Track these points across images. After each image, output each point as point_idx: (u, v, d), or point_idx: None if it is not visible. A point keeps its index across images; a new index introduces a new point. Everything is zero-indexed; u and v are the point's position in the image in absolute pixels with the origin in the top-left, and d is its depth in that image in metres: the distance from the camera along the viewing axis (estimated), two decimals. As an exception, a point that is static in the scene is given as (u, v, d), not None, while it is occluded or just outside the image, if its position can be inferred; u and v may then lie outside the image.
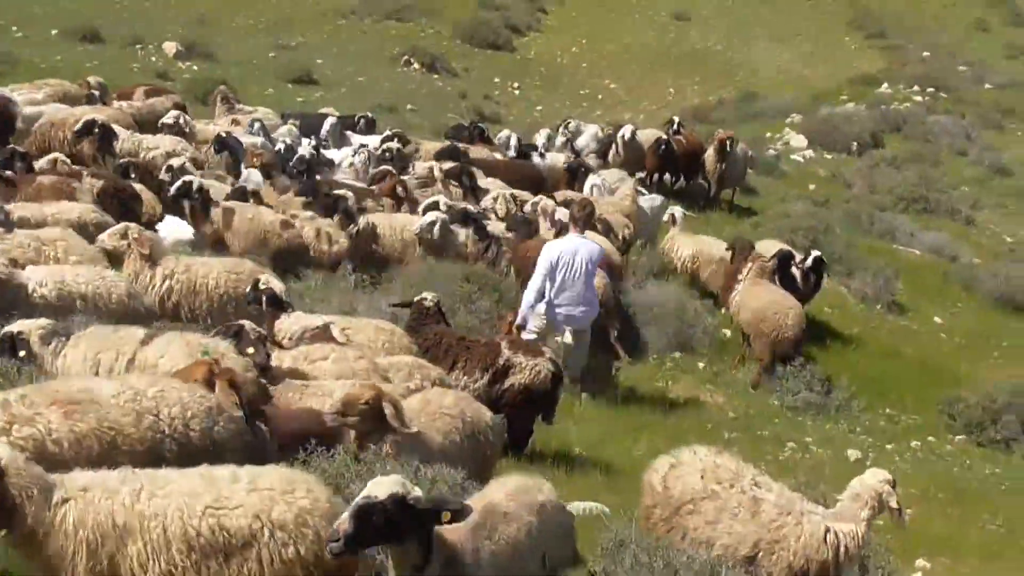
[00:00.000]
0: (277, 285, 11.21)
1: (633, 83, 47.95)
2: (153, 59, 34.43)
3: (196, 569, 5.88)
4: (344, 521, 5.62)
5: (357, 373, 9.25)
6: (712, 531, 7.64)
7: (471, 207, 16.46)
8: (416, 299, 11.67)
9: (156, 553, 5.83)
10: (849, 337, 19.27)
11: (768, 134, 38.18)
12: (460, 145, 21.73)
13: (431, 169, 18.96)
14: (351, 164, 19.83)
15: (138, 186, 15.34)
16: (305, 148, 19.36)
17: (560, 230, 15.89)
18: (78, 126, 16.77)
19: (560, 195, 18.73)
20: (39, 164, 15.22)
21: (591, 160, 23.87)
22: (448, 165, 19.22)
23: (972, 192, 34.72)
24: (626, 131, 24.40)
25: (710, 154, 24.91)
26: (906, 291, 22.34)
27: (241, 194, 15.67)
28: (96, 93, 20.61)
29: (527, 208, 17.45)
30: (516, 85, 44.17)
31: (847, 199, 30.51)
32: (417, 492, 5.81)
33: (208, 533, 5.89)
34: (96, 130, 16.76)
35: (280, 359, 9.43)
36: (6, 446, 5.92)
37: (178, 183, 14.61)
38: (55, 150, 16.35)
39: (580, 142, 24.83)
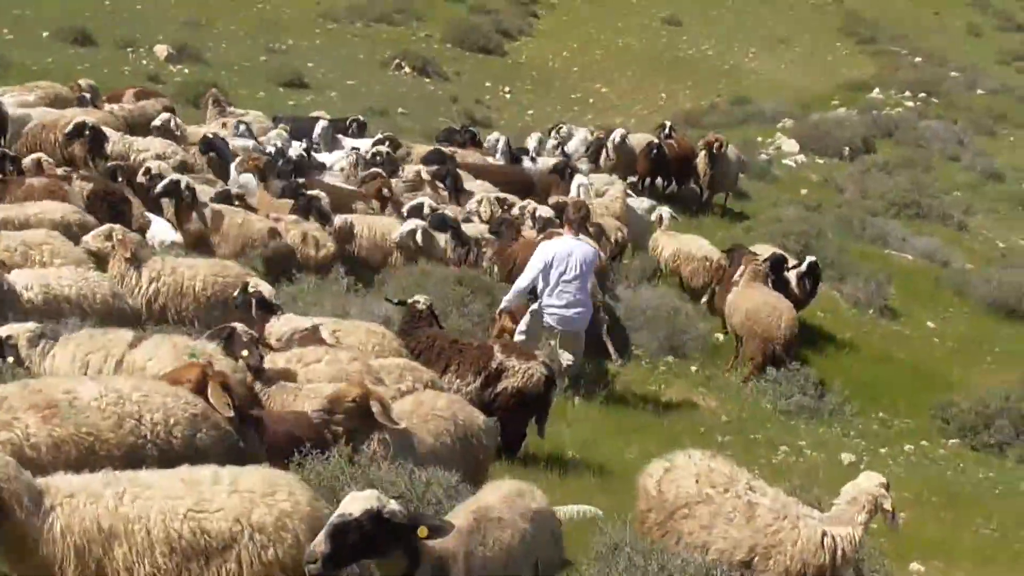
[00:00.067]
0: (266, 288, 11.17)
1: (625, 87, 47.96)
2: (144, 62, 34.33)
3: (178, 571, 5.86)
4: (320, 542, 5.56)
5: (351, 375, 9.21)
6: (707, 536, 7.62)
7: (448, 212, 16.37)
8: (409, 302, 11.62)
9: (141, 556, 5.81)
10: (842, 341, 19.26)
11: (760, 139, 38.14)
12: (448, 149, 21.67)
13: (418, 172, 18.93)
14: (342, 168, 19.79)
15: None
16: (295, 150, 19.32)
17: (542, 228, 15.89)
18: (68, 128, 16.71)
19: (552, 200, 18.69)
20: (24, 164, 15.15)
21: (582, 164, 23.84)
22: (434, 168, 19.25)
23: (964, 197, 34.70)
24: (616, 135, 24.35)
25: (701, 158, 24.88)
26: (898, 296, 22.34)
27: (226, 197, 15.60)
28: (87, 95, 20.56)
29: (514, 212, 17.43)
30: (507, 89, 44.12)
31: (839, 204, 30.48)
32: (393, 506, 5.74)
33: (189, 535, 5.87)
34: (87, 132, 16.71)
35: (273, 361, 9.39)
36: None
37: (165, 181, 14.53)
38: (46, 152, 16.31)
39: (570, 146, 24.79)
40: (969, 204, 34.00)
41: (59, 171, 15.22)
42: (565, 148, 24.53)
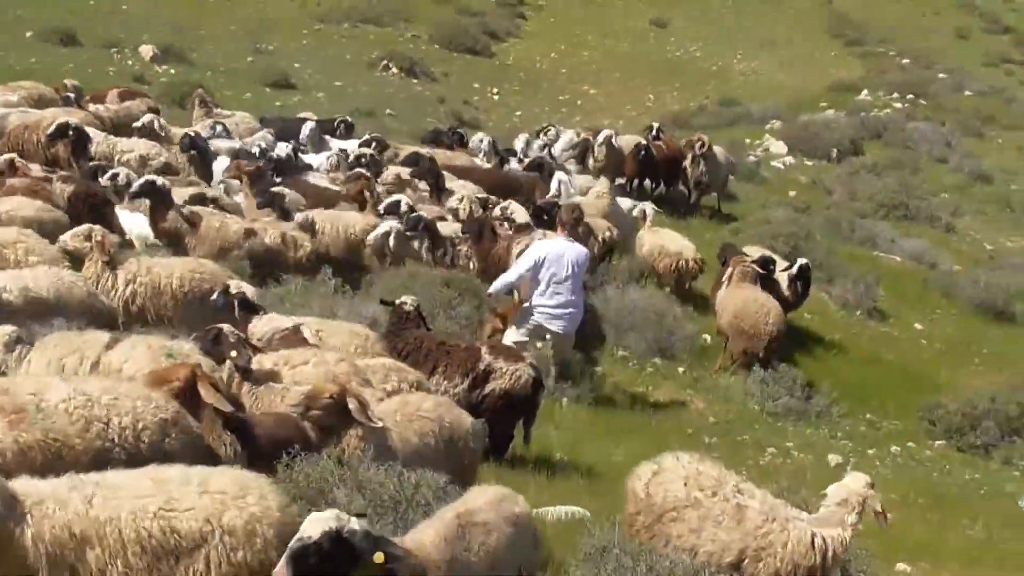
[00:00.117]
0: (248, 288, 11.10)
1: (613, 89, 47.96)
2: (130, 62, 34.23)
3: (148, 571, 5.80)
4: (281, 568, 5.45)
5: (338, 376, 9.14)
6: (696, 539, 7.60)
7: (424, 213, 16.29)
8: (396, 303, 11.56)
9: (113, 557, 5.75)
10: (830, 343, 19.28)
11: (748, 140, 38.17)
12: (436, 151, 21.59)
13: (398, 175, 18.86)
14: (327, 170, 19.72)
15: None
16: (282, 149, 19.24)
17: (518, 230, 15.86)
18: (51, 129, 16.60)
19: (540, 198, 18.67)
20: (-2, 165, 15.07)
21: (570, 165, 23.80)
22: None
23: (952, 199, 34.79)
24: (602, 136, 24.29)
25: (689, 160, 24.87)
26: (887, 298, 22.36)
27: (201, 199, 15.53)
28: (72, 96, 20.45)
29: (496, 213, 17.40)
30: (495, 90, 44.10)
31: (827, 206, 30.54)
32: (354, 525, 5.60)
33: (159, 535, 5.82)
34: (70, 133, 16.61)
35: (260, 363, 9.33)
36: None
37: (141, 181, 14.44)
38: (29, 153, 16.21)
39: (556, 148, 24.68)
40: (957, 206, 34.09)
41: (37, 172, 15.10)
42: (551, 150, 24.45)
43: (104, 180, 15.38)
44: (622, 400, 14.69)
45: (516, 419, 11.10)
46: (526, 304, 13.38)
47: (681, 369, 16.50)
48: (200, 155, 18.17)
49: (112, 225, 13.78)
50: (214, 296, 11.03)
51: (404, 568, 5.85)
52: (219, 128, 20.34)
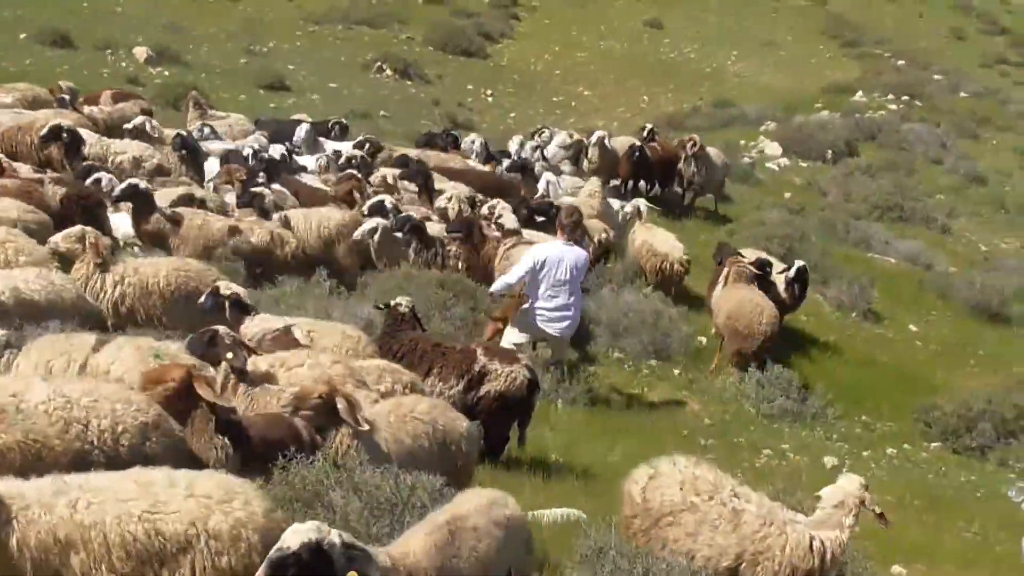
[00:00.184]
0: (240, 289, 11.07)
1: (607, 90, 47.92)
2: (124, 64, 34.13)
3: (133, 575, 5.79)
4: None
5: (333, 379, 9.11)
6: (692, 543, 7.61)
7: (414, 213, 16.25)
8: (391, 304, 11.52)
9: (98, 562, 5.73)
10: (825, 345, 19.28)
11: (743, 142, 38.19)
12: (414, 154, 21.50)
13: (383, 177, 18.82)
14: (315, 171, 19.69)
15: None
16: (276, 150, 19.20)
17: (506, 233, 15.84)
18: (43, 131, 16.57)
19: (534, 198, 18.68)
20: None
21: (564, 167, 23.78)
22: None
23: (947, 200, 34.87)
24: (595, 137, 24.27)
25: (682, 160, 24.86)
26: (882, 299, 22.37)
27: (188, 200, 15.50)
28: (66, 97, 20.42)
29: (483, 211, 17.38)
30: (489, 92, 44.03)
31: (822, 207, 30.56)
32: (334, 538, 5.52)
33: (144, 539, 5.80)
34: (64, 135, 16.57)
35: (256, 364, 9.30)
36: None
37: (123, 185, 14.42)
38: (22, 155, 16.17)
39: (549, 150, 24.66)
40: (952, 207, 34.17)
41: (27, 172, 15.05)
42: (544, 152, 24.42)
43: (87, 184, 15.35)
44: (618, 402, 14.68)
45: (511, 421, 11.06)
46: (525, 306, 13.37)
47: (677, 371, 16.48)
48: (191, 155, 18.13)
49: (104, 227, 13.74)
50: (202, 298, 10.96)
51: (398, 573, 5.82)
52: (207, 131, 20.27)
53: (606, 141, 24.14)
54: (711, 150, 25.40)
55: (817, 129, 39.26)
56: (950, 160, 39.68)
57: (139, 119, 19.21)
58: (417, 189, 18.51)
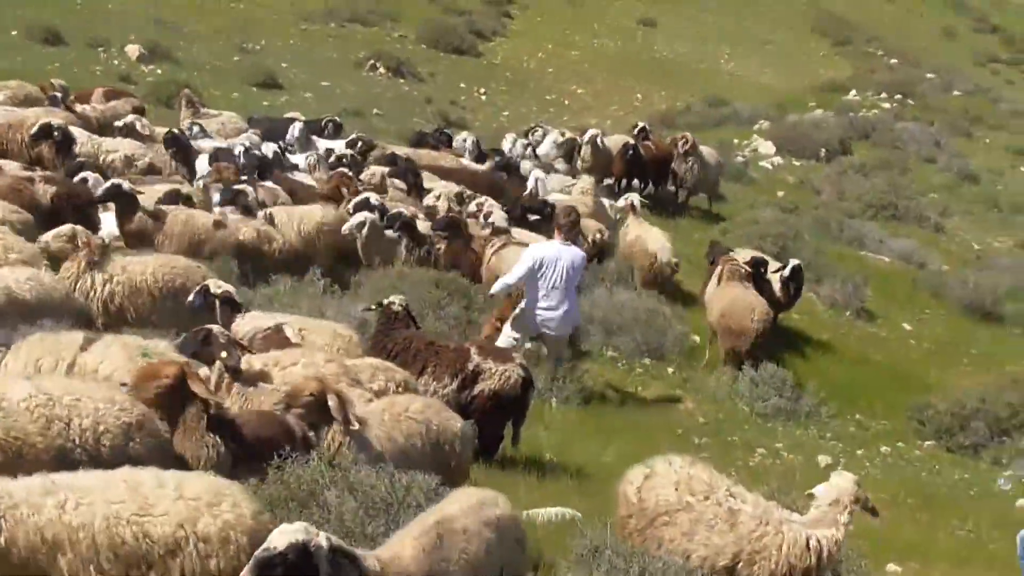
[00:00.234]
0: (230, 287, 11.02)
1: (600, 88, 47.86)
2: (116, 62, 34.02)
3: None
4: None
5: (325, 377, 9.09)
6: (688, 543, 7.61)
7: (404, 211, 16.21)
8: (385, 303, 11.49)
9: (86, 563, 5.72)
10: (819, 343, 19.29)
11: (736, 140, 38.19)
12: (404, 152, 21.45)
13: (373, 174, 18.77)
14: (305, 169, 19.65)
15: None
16: (268, 148, 19.15)
17: (493, 233, 15.83)
18: (34, 130, 16.52)
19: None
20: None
21: (558, 165, 23.74)
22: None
23: (941, 199, 34.91)
24: (588, 135, 24.23)
25: (677, 159, 24.85)
26: (875, 298, 22.40)
27: (174, 197, 15.45)
28: (58, 95, 20.33)
29: (471, 207, 17.34)
30: (482, 90, 43.94)
31: (816, 206, 30.59)
32: (322, 540, 5.51)
33: (132, 540, 5.78)
34: (55, 133, 16.51)
35: (250, 364, 9.27)
36: None
37: (107, 185, 14.34)
38: (12, 153, 16.11)
39: (541, 149, 24.61)
40: (945, 206, 34.20)
41: (15, 170, 14.98)
42: (536, 150, 24.38)
43: (75, 183, 15.29)
44: (612, 400, 14.67)
45: (505, 420, 11.05)
46: (522, 305, 13.36)
47: (671, 369, 16.48)
48: (183, 153, 18.06)
49: (95, 226, 13.69)
50: (191, 296, 10.90)
51: None
52: (196, 130, 20.19)
53: (599, 140, 24.10)
54: (705, 149, 25.39)
55: (810, 128, 39.36)
56: (943, 159, 39.76)
57: (129, 117, 19.14)
58: (406, 187, 18.48)
